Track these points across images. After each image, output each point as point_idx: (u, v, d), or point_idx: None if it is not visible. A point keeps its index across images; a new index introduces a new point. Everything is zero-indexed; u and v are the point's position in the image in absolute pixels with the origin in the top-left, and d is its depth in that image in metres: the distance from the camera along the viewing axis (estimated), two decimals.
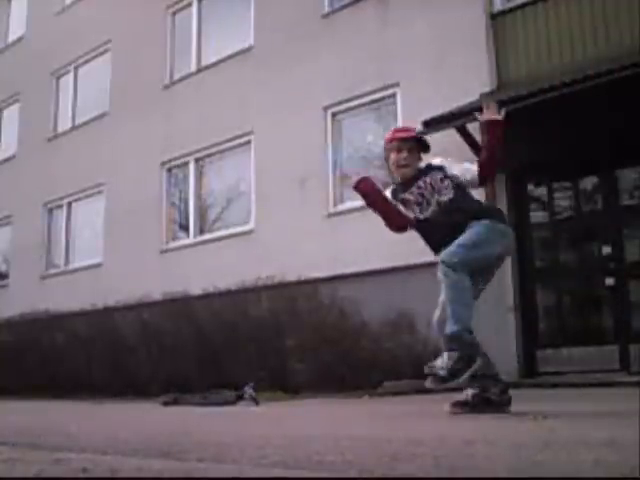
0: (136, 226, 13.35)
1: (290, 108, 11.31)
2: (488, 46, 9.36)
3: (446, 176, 4.39)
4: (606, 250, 8.28)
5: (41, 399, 10.49)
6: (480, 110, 4.72)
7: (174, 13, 14.00)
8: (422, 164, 4.54)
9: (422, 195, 4.39)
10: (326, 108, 11.00)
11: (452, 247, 4.10)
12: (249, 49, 12.30)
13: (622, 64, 7.07)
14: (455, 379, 3.98)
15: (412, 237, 10.01)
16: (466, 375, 3.98)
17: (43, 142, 16.12)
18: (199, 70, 13.24)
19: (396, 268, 9.36)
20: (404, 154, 4.49)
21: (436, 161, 4.51)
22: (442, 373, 3.98)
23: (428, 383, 4.07)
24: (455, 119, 8.46)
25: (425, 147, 4.60)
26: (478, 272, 4.20)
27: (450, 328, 4.00)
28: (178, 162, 13.28)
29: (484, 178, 4.51)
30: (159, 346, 10.54)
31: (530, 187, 9.18)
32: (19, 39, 17.67)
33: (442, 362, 4.00)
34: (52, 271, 15.39)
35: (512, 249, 4.99)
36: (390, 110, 10.46)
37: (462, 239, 4.14)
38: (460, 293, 4.05)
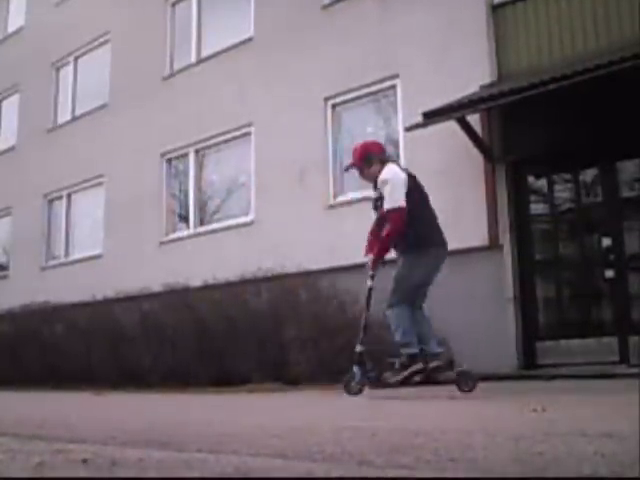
0: (136, 217, 13.34)
1: (290, 99, 11.29)
2: (489, 37, 9.33)
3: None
4: (606, 242, 8.27)
5: (41, 390, 10.51)
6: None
7: (174, 4, 13.95)
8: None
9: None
10: (326, 99, 10.98)
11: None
12: (249, 40, 12.26)
13: (623, 56, 7.04)
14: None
15: None
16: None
17: (43, 133, 16.09)
18: (199, 61, 13.20)
19: (396, 260, 9.34)
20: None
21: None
22: None
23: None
24: (455, 111, 8.44)
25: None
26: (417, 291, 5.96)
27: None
28: (178, 153, 13.27)
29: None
30: (159, 337, 10.54)
31: (530, 179, 9.17)
32: (19, 30, 17.61)
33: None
34: (52, 262, 15.39)
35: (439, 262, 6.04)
36: (390, 101, 10.44)
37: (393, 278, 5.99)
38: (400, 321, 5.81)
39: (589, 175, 8.84)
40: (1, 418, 4.49)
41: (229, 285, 10.60)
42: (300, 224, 10.70)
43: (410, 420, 3.85)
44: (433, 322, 6.03)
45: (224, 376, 9.20)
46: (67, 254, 15.22)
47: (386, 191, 5.86)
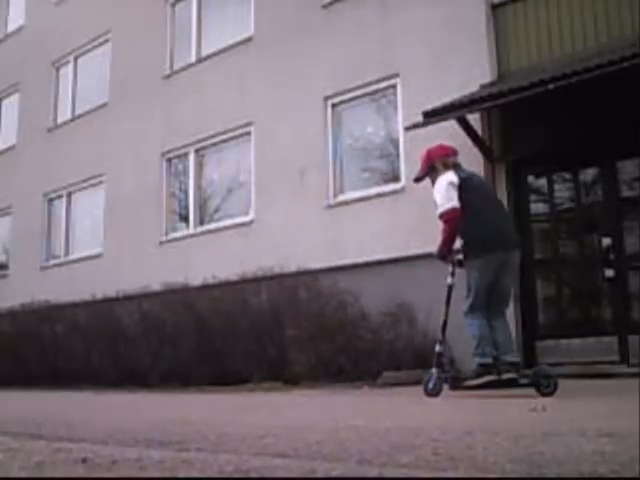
0: (136, 217, 13.34)
1: (290, 98, 11.29)
2: (489, 36, 9.32)
3: None
4: (606, 242, 8.27)
5: (41, 389, 10.51)
6: None
7: (174, 4, 13.94)
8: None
9: None
10: (326, 98, 10.97)
11: None
12: (249, 39, 12.26)
13: (623, 55, 7.04)
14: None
15: (411, 229, 9.98)
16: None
17: (43, 132, 16.08)
18: (199, 60, 13.19)
19: (396, 259, 9.36)
20: None
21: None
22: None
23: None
24: (455, 110, 8.43)
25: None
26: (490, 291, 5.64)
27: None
28: (178, 153, 13.26)
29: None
30: (159, 336, 10.55)
31: (530, 178, 9.17)
32: (19, 29, 17.59)
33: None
34: (52, 261, 15.38)
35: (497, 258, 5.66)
36: (390, 101, 10.44)
37: None
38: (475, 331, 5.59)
39: (589, 174, 8.84)
40: (1, 417, 4.49)
41: (229, 284, 10.60)
42: (300, 224, 10.69)
43: (410, 419, 3.85)
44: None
45: (224, 375, 9.20)
46: (67, 253, 15.22)
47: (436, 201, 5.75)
